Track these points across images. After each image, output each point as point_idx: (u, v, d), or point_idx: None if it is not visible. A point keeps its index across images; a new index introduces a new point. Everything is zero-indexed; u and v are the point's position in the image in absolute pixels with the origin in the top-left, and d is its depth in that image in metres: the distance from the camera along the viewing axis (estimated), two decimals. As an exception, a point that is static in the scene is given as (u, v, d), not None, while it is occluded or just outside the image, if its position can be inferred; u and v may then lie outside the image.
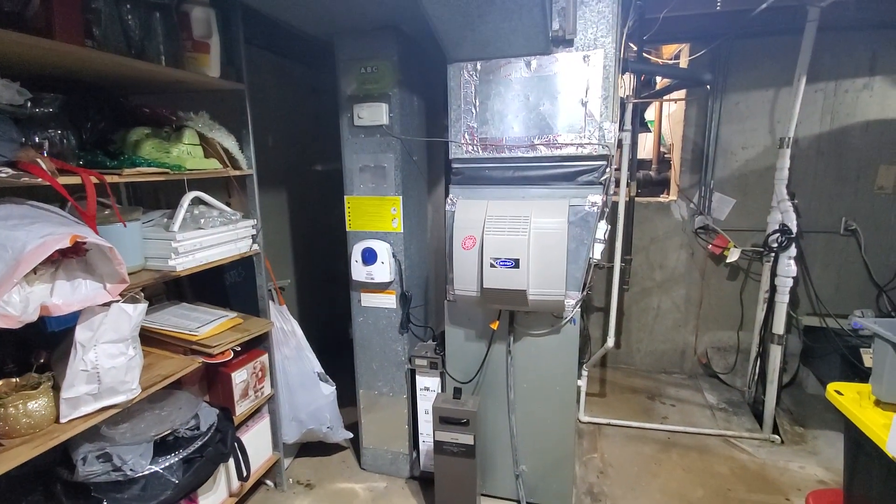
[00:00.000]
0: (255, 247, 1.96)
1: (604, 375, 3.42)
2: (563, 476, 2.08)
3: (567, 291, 1.85)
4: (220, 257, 1.79)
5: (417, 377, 2.22)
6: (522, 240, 1.71)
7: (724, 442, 2.61)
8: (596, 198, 1.81)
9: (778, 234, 2.50)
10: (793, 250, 2.47)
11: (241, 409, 1.97)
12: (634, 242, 3.25)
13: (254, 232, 1.94)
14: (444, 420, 1.87)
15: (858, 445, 1.47)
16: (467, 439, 1.87)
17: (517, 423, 2.06)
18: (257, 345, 2.10)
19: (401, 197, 2.02)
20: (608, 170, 1.83)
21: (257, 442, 2.11)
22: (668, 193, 3.37)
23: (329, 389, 2.29)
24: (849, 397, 1.50)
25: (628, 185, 2.77)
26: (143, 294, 1.47)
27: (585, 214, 1.81)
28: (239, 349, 1.85)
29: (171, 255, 1.58)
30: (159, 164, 1.53)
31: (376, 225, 2.08)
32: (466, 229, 1.80)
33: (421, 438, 2.28)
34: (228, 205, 1.91)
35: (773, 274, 2.58)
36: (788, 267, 2.48)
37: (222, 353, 1.72)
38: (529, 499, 2.12)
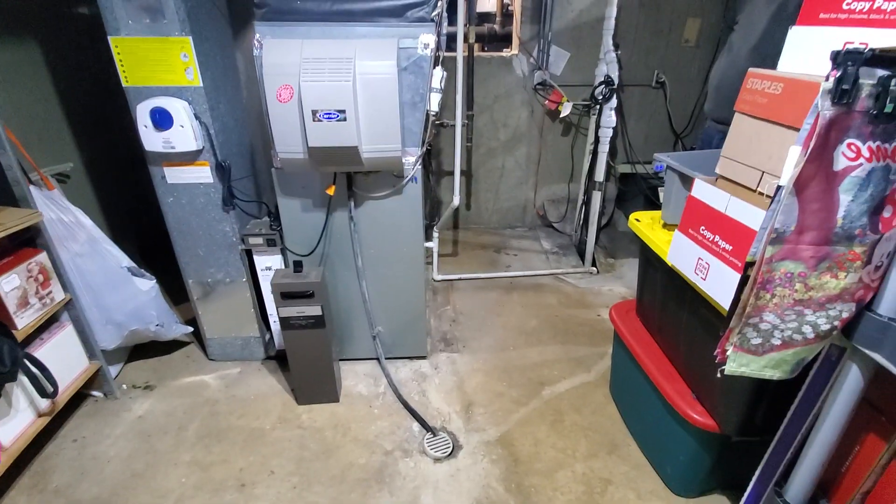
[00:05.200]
0: (-22, 110, 1.41)
1: (456, 237, 3.58)
2: (418, 329, 2.19)
3: (405, 148, 1.74)
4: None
5: (255, 257, 2.02)
6: (347, 87, 1.49)
7: (555, 279, 3.00)
8: (428, 38, 1.62)
9: (603, 86, 2.64)
10: (614, 101, 2.65)
11: (23, 321, 1.60)
12: (479, 101, 3.20)
13: (-31, 88, 1.38)
14: (285, 296, 1.76)
15: (648, 261, 1.75)
16: (314, 311, 1.80)
17: (368, 287, 2.05)
18: (29, 243, 1.67)
19: (191, 38, 1.57)
20: (440, 3, 1.62)
21: (63, 353, 1.78)
22: (511, 48, 3.30)
23: (148, 284, 1.98)
24: (644, 223, 1.73)
25: (466, 30, 2.60)
26: None
27: (419, 59, 1.63)
28: (-9, 249, 1.43)
29: None
30: None
31: (164, 78, 1.63)
32: (280, 76, 1.50)
33: (272, 319, 2.17)
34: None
35: (598, 126, 2.78)
36: (609, 118, 2.68)
37: (-39, 255, 1.30)
38: (388, 355, 2.22)
